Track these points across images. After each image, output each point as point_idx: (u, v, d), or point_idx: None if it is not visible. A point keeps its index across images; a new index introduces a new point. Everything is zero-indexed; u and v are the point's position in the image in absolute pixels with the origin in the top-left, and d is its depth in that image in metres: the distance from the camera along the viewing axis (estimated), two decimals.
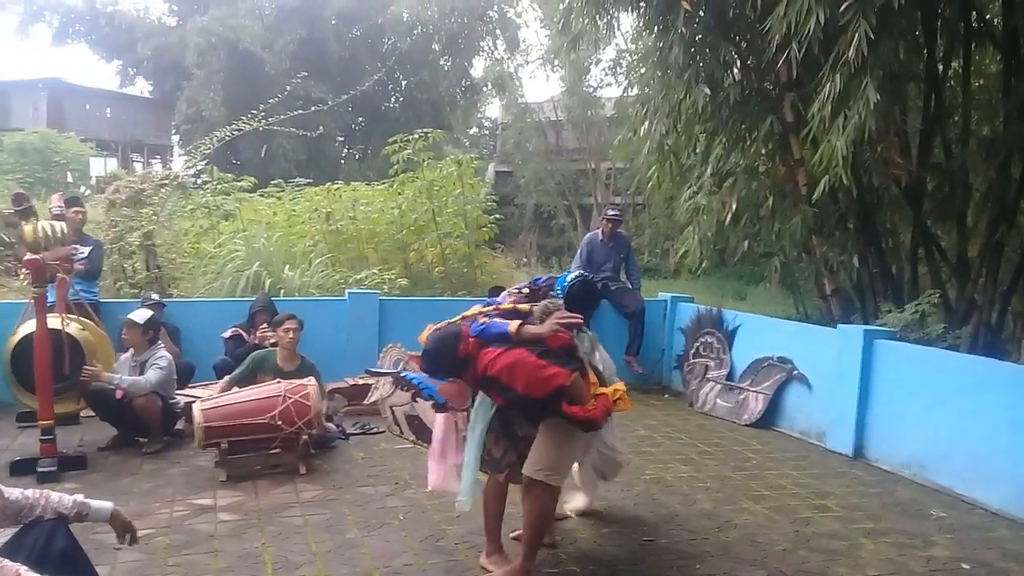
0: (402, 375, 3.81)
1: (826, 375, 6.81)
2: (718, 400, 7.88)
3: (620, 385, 3.77)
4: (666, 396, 8.74)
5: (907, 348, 6.36)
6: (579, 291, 3.80)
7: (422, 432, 4.36)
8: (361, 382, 7.34)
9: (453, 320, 3.76)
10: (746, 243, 9.16)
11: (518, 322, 3.57)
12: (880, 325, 7.00)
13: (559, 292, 3.77)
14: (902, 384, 6.12)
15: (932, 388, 5.85)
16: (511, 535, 4.28)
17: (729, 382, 7.90)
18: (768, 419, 7.35)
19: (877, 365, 6.33)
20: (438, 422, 4.07)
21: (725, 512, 5.06)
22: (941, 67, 8.35)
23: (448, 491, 4.03)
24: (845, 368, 6.51)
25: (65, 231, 5.56)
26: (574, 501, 4.87)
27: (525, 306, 3.73)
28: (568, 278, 3.81)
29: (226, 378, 6.35)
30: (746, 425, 7.38)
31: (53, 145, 23.21)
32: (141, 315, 6.17)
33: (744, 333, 8.04)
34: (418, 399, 3.87)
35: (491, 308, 3.80)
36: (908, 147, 8.23)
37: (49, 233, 5.36)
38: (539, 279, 4.04)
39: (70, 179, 19.99)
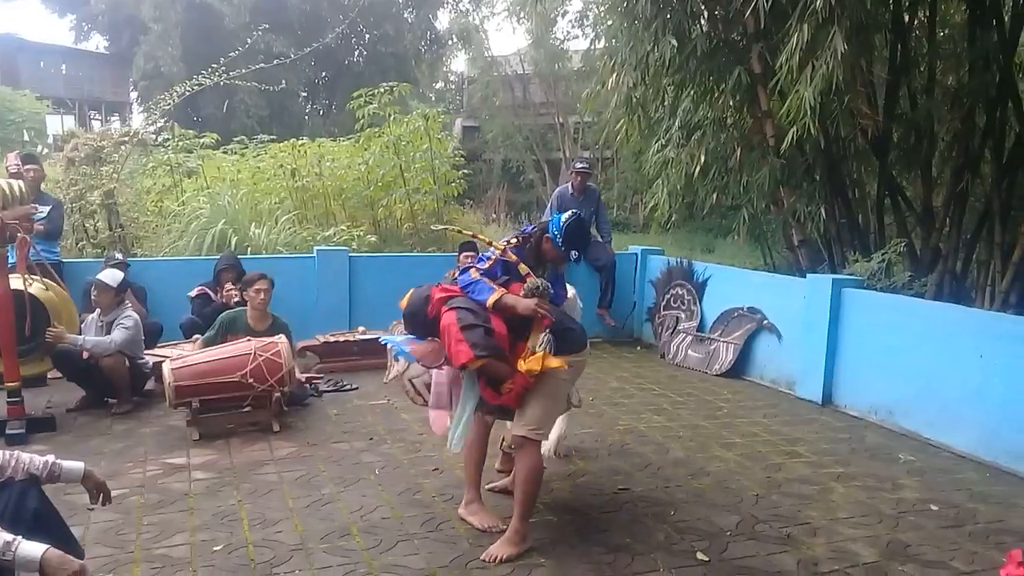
0: (379, 340, 3.94)
1: (795, 324, 6.89)
2: (689, 351, 7.95)
3: (551, 362, 3.59)
4: (638, 348, 8.80)
5: (875, 296, 6.44)
6: (575, 228, 3.81)
7: None
8: (332, 339, 7.32)
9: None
10: (714, 196, 9.15)
11: (501, 292, 3.61)
12: (848, 274, 7.07)
13: (555, 234, 3.78)
14: (870, 331, 6.21)
15: (899, 335, 5.94)
16: (487, 486, 4.31)
17: (700, 333, 7.97)
18: (739, 369, 7.44)
19: (845, 313, 6.42)
20: (437, 375, 4.09)
21: (698, 460, 5.13)
22: (907, 17, 8.34)
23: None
24: (814, 317, 6.59)
25: (24, 190, 5.41)
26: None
27: (525, 268, 3.73)
28: (563, 217, 3.82)
29: (199, 339, 6.29)
30: (717, 375, 7.47)
31: (8, 103, 22.66)
32: (112, 276, 6.05)
33: (714, 284, 8.10)
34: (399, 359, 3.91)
35: (498, 250, 3.80)
36: (875, 98, 8.25)
37: (7, 192, 5.21)
38: (527, 228, 4.03)
39: (27, 137, 19.54)
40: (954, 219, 7.97)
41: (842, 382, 6.47)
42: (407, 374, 4.20)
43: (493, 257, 3.78)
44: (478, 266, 3.76)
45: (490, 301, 3.58)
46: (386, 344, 4.08)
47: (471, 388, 3.87)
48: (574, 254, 3.84)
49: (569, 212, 3.93)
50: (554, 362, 3.57)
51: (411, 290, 3.88)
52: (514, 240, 3.91)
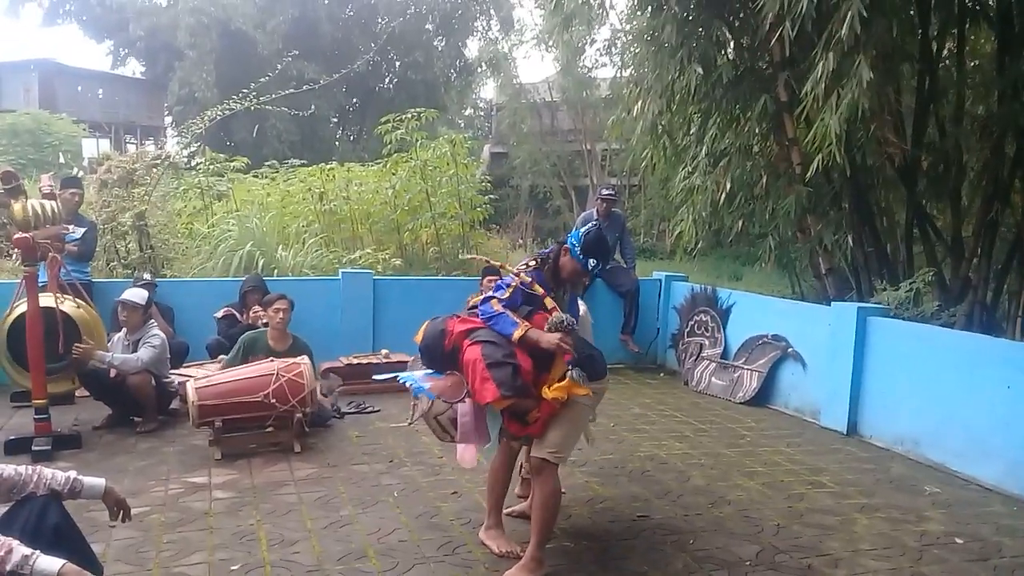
0: (397, 378, 3.92)
1: (820, 352, 6.83)
2: (713, 378, 7.90)
3: (578, 390, 3.60)
4: (661, 375, 8.76)
5: (900, 325, 6.37)
6: (595, 238, 3.77)
7: None
8: (355, 361, 7.36)
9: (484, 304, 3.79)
10: (740, 223, 9.14)
11: (526, 327, 3.60)
12: (874, 303, 7.01)
13: (573, 244, 3.76)
14: (896, 361, 6.14)
15: (926, 365, 5.86)
16: (504, 511, 4.29)
17: (724, 360, 7.92)
18: (762, 397, 7.38)
19: (871, 342, 6.35)
20: (461, 408, 3.97)
21: (719, 488, 5.08)
22: (935, 46, 8.31)
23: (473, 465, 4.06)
24: (839, 345, 6.53)
25: (56, 210, 5.52)
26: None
27: (551, 302, 3.71)
28: (583, 229, 3.83)
29: (222, 358, 6.36)
30: (741, 403, 7.41)
31: (45, 126, 23.12)
32: (140, 295, 6.15)
33: (738, 311, 8.06)
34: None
35: (516, 279, 3.78)
36: (902, 126, 8.20)
37: (39, 212, 5.33)
38: (544, 251, 4.04)
39: (62, 160, 19.91)
40: (984, 249, 7.87)
41: (867, 412, 6.40)
42: (432, 412, 4.15)
43: (512, 284, 3.76)
44: (498, 296, 3.73)
45: (515, 336, 3.58)
46: (405, 383, 3.93)
47: (495, 415, 3.88)
48: (592, 262, 3.80)
49: (590, 224, 4.00)
50: (581, 390, 3.58)
51: (425, 323, 3.90)
52: (532, 263, 3.90)
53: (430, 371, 3.88)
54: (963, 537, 4.40)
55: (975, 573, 3.95)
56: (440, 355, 3.76)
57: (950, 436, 5.63)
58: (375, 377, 6.66)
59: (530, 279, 3.77)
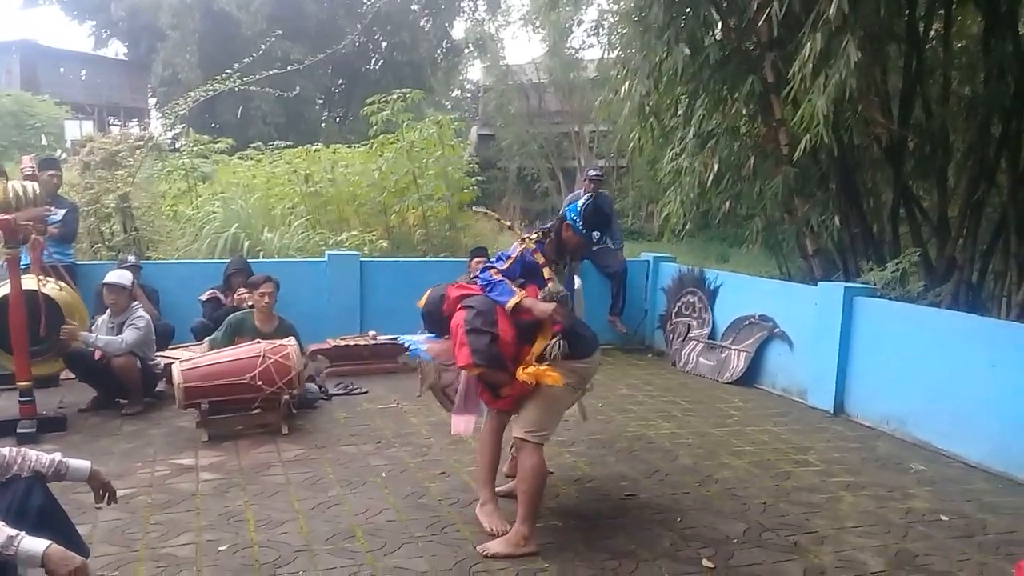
0: (397, 339, 4.24)
1: (807, 332, 6.84)
2: (700, 359, 7.92)
3: (546, 379, 3.62)
4: (649, 355, 8.78)
5: (887, 304, 6.39)
6: (593, 209, 3.84)
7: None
8: (343, 343, 7.34)
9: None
10: (728, 204, 9.12)
11: (522, 295, 3.68)
12: (861, 283, 7.02)
13: (574, 219, 3.81)
14: (882, 340, 6.16)
15: (912, 344, 5.88)
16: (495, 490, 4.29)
17: (711, 341, 7.93)
18: (750, 377, 7.40)
19: (857, 322, 6.37)
20: (461, 378, 4.11)
21: (706, 467, 5.10)
22: (923, 26, 8.30)
23: (468, 435, 4.14)
24: (826, 325, 6.55)
25: (37, 191, 5.45)
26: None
27: (548, 272, 3.80)
28: (579, 203, 3.89)
29: (208, 340, 6.33)
30: (728, 383, 7.43)
31: (27, 108, 22.89)
32: (126, 277, 6.10)
33: (726, 292, 8.07)
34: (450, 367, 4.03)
35: (523, 243, 3.89)
36: (889, 107, 8.19)
37: (20, 193, 5.26)
38: (546, 226, 4.09)
39: (45, 142, 19.69)
40: (970, 229, 7.89)
41: (854, 391, 6.43)
42: (440, 383, 4.25)
43: (513, 256, 3.85)
44: (497, 266, 3.84)
45: (510, 304, 3.66)
46: (404, 344, 4.24)
47: None
48: (596, 235, 3.88)
49: (585, 197, 4.03)
50: (549, 379, 3.61)
51: (429, 289, 4.04)
52: (534, 235, 3.95)
53: (431, 335, 4.07)
54: (948, 514, 4.43)
55: (960, 550, 3.98)
56: (438, 319, 3.91)
57: (935, 415, 5.67)
58: (377, 338, 7.04)
59: (534, 247, 3.85)
